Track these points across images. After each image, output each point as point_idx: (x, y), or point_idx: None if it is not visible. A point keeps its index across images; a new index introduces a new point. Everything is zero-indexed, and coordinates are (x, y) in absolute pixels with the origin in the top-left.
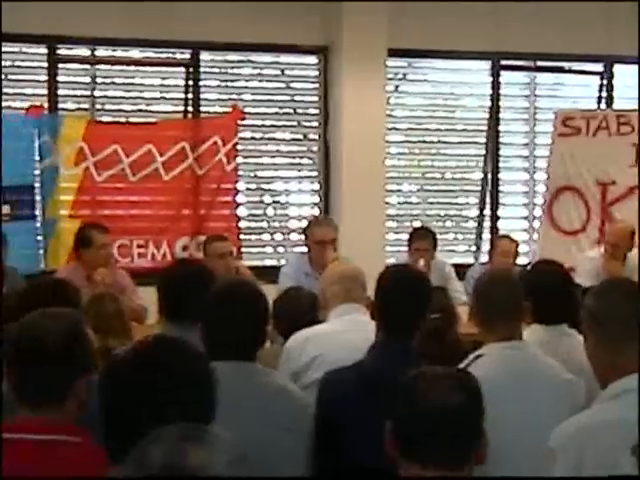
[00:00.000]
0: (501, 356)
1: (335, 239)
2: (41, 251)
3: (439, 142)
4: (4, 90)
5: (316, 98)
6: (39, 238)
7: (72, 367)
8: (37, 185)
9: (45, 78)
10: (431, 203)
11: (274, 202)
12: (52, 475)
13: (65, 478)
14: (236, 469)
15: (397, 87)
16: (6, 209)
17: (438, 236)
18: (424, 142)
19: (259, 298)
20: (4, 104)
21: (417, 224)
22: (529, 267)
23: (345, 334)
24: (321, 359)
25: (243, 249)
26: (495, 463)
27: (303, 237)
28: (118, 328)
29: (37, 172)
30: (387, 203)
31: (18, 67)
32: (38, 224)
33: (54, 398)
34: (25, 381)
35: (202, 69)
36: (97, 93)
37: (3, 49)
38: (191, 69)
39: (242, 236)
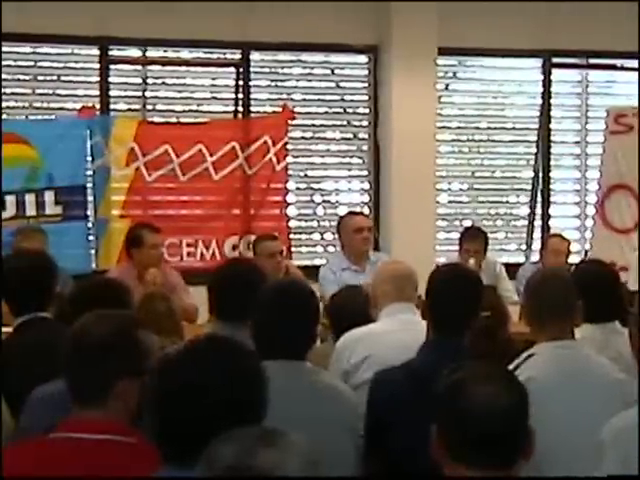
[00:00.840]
0: (553, 355)
1: (371, 228)
2: (92, 251)
3: (489, 140)
4: (57, 92)
5: (366, 97)
6: (90, 238)
7: (113, 368)
8: (89, 185)
9: (97, 79)
10: (481, 202)
11: (324, 201)
12: (103, 475)
13: (118, 478)
14: (307, 474)
15: (447, 86)
16: (58, 209)
17: (489, 235)
18: (474, 141)
19: (310, 297)
20: (57, 105)
21: (467, 223)
22: (573, 267)
23: (396, 334)
24: (371, 359)
25: (293, 248)
26: (547, 463)
27: (337, 234)
28: (169, 327)
29: (89, 173)
30: (437, 202)
31: (70, 68)
32: (89, 224)
33: (97, 398)
34: (73, 381)
35: (252, 69)
36: (148, 94)
37: (55, 51)
38: (241, 69)
39: (292, 235)
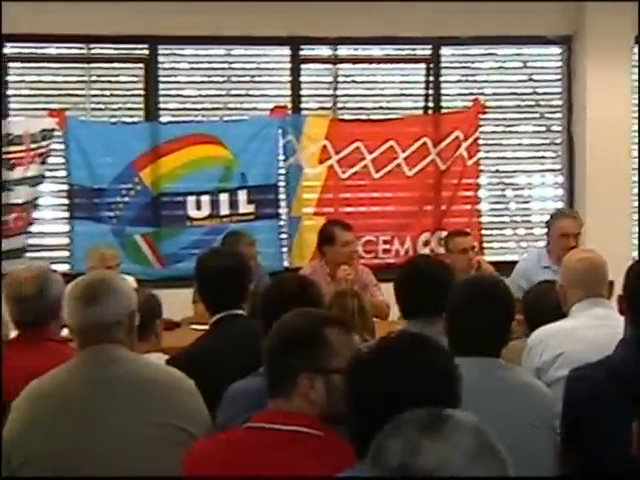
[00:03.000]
0: None
1: (579, 234)
2: (285, 249)
3: None
4: (250, 92)
5: (559, 89)
6: (282, 236)
7: (296, 362)
8: (281, 184)
9: (288, 79)
10: None
11: (516, 196)
12: (291, 464)
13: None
14: (477, 464)
15: None
16: (251, 208)
17: None
18: None
19: (503, 293)
20: (250, 105)
21: None
22: None
23: (588, 330)
24: (564, 357)
25: (485, 244)
26: None
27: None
28: (360, 324)
29: (281, 171)
30: (634, 195)
31: (262, 69)
32: (282, 222)
33: (283, 391)
34: (267, 374)
35: (442, 64)
36: (339, 92)
37: (248, 52)
38: (431, 65)
39: (484, 231)
